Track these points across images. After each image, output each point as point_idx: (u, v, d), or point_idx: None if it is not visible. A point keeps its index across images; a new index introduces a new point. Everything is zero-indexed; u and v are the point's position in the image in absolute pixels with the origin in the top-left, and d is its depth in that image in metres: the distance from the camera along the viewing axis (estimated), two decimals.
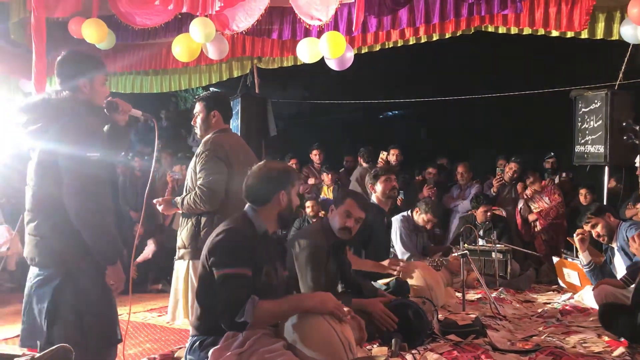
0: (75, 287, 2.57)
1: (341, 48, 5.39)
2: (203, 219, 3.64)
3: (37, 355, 1.89)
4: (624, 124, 5.43)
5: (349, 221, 3.53)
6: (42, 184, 2.62)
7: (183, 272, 3.79)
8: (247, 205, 2.62)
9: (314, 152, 8.14)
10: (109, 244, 2.59)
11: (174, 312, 3.92)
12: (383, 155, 7.33)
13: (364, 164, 7.45)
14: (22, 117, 2.67)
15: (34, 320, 2.59)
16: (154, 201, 3.91)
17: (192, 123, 3.95)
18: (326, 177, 7.55)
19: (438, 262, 4.72)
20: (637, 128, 5.33)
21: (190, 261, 3.70)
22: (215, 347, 2.29)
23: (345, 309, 2.50)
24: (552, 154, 7.35)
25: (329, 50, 5.36)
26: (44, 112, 2.63)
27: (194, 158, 3.79)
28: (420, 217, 5.55)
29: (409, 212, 5.69)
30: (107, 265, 2.58)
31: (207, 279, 2.43)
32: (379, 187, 4.62)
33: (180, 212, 3.82)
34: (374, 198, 4.67)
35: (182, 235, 3.76)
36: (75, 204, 2.52)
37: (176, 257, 3.84)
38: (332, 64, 5.70)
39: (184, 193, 3.78)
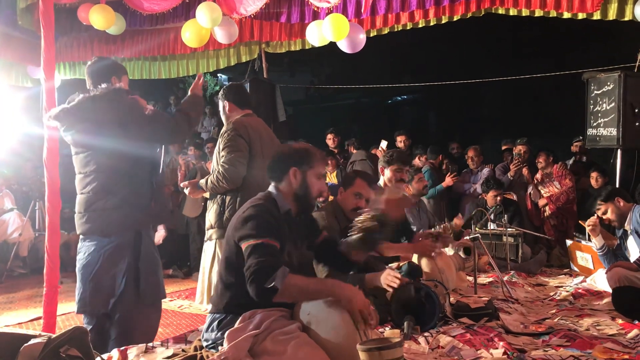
0: (144, 247, 3.06)
1: (344, 30, 5.33)
2: (227, 198, 3.72)
3: (54, 335, 1.90)
4: (637, 109, 5.36)
5: (360, 202, 3.55)
6: (103, 171, 3.02)
7: (211, 253, 3.85)
8: (271, 184, 2.64)
9: (329, 136, 8.17)
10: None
11: (202, 295, 3.93)
12: (383, 144, 7.27)
13: (354, 151, 7.65)
14: (60, 122, 3.08)
15: (101, 286, 2.99)
16: (182, 184, 4.06)
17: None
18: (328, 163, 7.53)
19: (444, 228, 4.65)
20: None
21: (217, 240, 3.75)
22: (232, 327, 2.29)
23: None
24: (581, 137, 7.20)
25: (332, 32, 5.31)
26: (103, 109, 3.00)
27: (218, 139, 3.89)
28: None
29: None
30: None
31: (232, 256, 2.44)
32: (387, 173, 4.54)
33: (207, 194, 3.92)
34: (381, 181, 4.60)
35: (209, 216, 3.85)
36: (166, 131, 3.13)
37: (205, 238, 3.92)
38: (344, 46, 5.64)
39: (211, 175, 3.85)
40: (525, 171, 6.80)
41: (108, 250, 3.00)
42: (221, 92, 4.08)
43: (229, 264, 2.46)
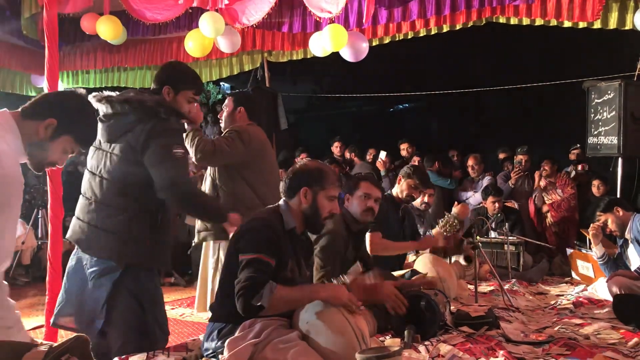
0: (134, 280, 2.74)
1: (343, 40, 5.38)
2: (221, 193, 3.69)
3: (55, 344, 1.91)
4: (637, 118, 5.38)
5: (369, 202, 3.61)
6: (120, 179, 2.72)
7: (209, 255, 3.81)
8: (281, 199, 2.67)
9: (336, 144, 8.19)
10: (212, 211, 3.09)
11: (204, 302, 3.86)
12: (382, 155, 7.30)
13: (356, 158, 7.82)
14: (106, 108, 2.80)
15: (84, 302, 2.77)
16: None
17: (218, 116, 4.09)
18: None
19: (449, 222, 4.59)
20: None
21: (215, 242, 3.73)
22: (232, 336, 2.31)
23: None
24: (578, 145, 7.22)
25: (331, 43, 5.35)
26: (134, 111, 2.75)
27: None
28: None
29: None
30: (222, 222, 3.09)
31: (233, 266, 2.45)
32: (403, 184, 4.57)
33: None
34: (394, 190, 4.65)
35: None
36: (173, 194, 2.73)
37: (195, 240, 3.85)
38: (347, 55, 5.68)
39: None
40: (537, 175, 6.81)
41: (95, 272, 2.73)
42: (236, 94, 4.04)
43: (230, 273, 2.46)
